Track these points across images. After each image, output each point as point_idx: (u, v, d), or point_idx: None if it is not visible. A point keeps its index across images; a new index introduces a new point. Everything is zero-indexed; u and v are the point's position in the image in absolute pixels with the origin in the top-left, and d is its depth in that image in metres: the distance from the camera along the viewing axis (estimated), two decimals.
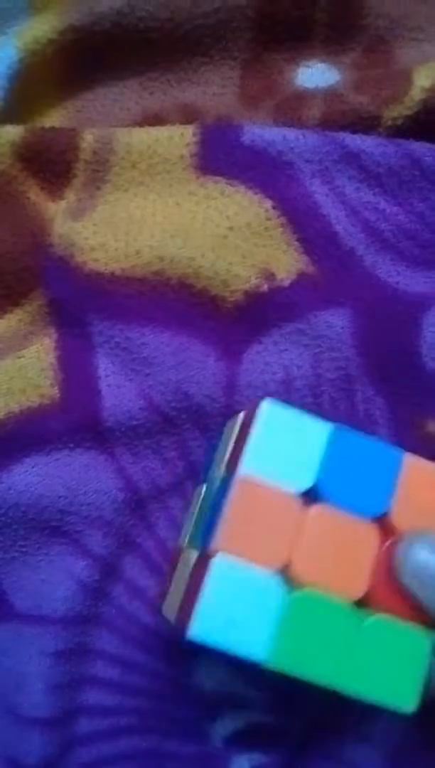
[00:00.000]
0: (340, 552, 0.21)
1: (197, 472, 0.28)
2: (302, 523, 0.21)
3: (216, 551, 0.20)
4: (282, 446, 0.21)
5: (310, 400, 0.28)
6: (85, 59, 0.30)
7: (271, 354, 0.28)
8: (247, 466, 0.21)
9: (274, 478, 0.21)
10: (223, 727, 0.28)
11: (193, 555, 0.23)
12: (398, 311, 0.28)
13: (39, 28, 0.29)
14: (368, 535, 0.21)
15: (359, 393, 0.28)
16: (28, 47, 0.29)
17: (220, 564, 0.20)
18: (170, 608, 0.23)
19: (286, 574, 0.21)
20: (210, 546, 0.21)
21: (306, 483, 0.21)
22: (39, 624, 0.28)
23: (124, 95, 0.31)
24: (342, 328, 0.28)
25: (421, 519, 0.21)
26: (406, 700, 0.20)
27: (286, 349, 0.28)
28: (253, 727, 0.28)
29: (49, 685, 0.27)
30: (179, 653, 0.28)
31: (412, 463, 0.22)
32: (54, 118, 0.31)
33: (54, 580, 0.28)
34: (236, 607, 0.20)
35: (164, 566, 0.28)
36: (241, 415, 0.24)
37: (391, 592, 0.21)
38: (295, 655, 0.20)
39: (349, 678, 0.20)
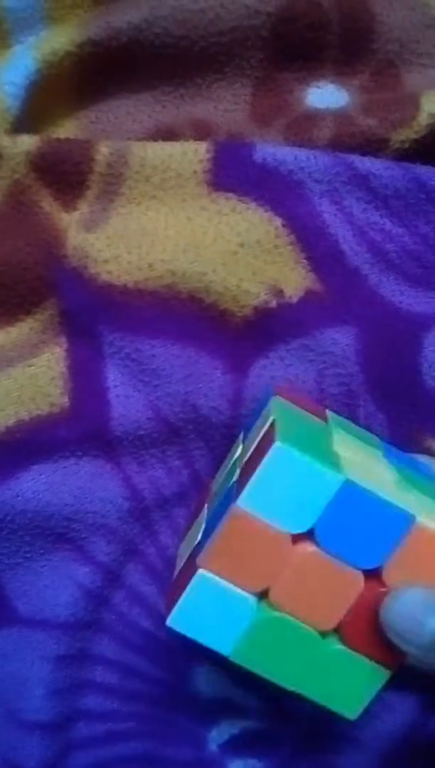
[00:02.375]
0: (319, 588, 0.21)
1: (202, 483, 0.29)
2: (288, 557, 0.21)
3: (200, 567, 0.22)
4: (287, 487, 0.21)
5: None
6: (100, 72, 0.30)
7: (276, 369, 0.29)
8: (245, 500, 0.21)
9: (271, 516, 0.21)
10: (220, 733, 0.29)
11: (187, 551, 0.25)
12: (401, 330, 0.29)
13: (57, 40, 0.29)
14: (351, 580, 0.21)
15: (361, 409, 0.29)
16: (46, 58, 0.29)
17: (202, 576, 0.22)
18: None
19: (264, 596, 0.22)
20: (197, 559, 0.22)
21: (302, 527, 0.21)
22: (41, 629, 0.28)
23: (138, 108, 0.31)
24: (347, 345, 0.28)
25: (413, 580, 0.21)
26: (351, 708, 0.22)
27: (291, 365, 0.29)
28: (249, 734, 0.29)
29: (50, 690, 0.28)
30: (178, 660, 0.29)
31: (422, 529, 0.21)
32: (67, 129, 0.31)
33: (57, 585, 0.28)
34: (212, 608, 0.22)
35: (165, 574, 0.29)
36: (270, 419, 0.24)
37: (362, 633, 0.22)
38: (257, 657, 0.22)
39: (304, 686, 0.22)
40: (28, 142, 0.28)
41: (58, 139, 0.28)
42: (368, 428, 0.29)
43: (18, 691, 0.28)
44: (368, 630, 0.21)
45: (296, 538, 0.21)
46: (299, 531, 0.21)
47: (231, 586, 0.21)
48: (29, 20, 0.30)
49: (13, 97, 0.29)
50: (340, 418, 0.27)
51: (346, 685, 0.22)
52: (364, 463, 0.22)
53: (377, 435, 0.29)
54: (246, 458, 0.23)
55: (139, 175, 0.28)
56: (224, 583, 0.21)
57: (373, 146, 0.30)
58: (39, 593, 0.28)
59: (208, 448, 0.29)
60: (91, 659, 0.29)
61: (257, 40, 0.30)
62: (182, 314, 0.28)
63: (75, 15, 0.30)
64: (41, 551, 0.28)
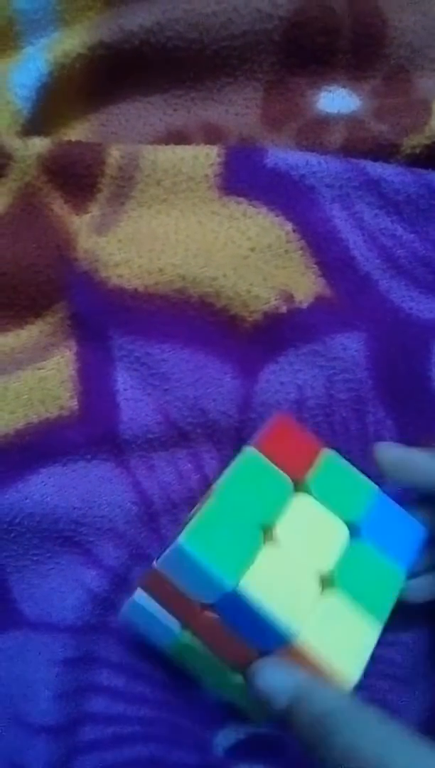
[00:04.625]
0: (224, 642, 0.24)
1: (211, 487, 0.29)
2: (198, 617, 0.24)
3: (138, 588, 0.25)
4: (191, 571, 0.23)
5: (321, 419, 0.29)
6: (112, 74, 0.30)
7: (286, 374, 0.29)
8: (162, 564, 0.23)
9: (182, 584, 0.23)
10: (226, 738, 0.29)
11: None
12: (410, 336, 0.29)
13: (69, 43, 0.29)
14: (246, 651, 0.23)
15: (370, 414, 0.29)
16: (58, 61, 0.29)
17: (140, 596, 0.25)
18: None
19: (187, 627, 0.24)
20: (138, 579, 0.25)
21: (206, 600, 0.23)
22: (48, 632, 0.28)
23: (148, 111, 0.31)
24: (356, 351, 0.28)
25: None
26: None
27: (300, 370, 0.29)
28: (255, 739, 0.29)
29: (56, 693, 0.28)
30: None
31: (298, 648, 0.23)
32: (78, 131, 0.31)
33: (64, 588, 0.28)
34: (149, 621, 0.25)
35: None
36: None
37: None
38: (185, 664, 0.25)
39: (221, 693, 0.26)
40: (39, 145, 0.28)
41: (69, 142, 0.28)
42: (377, 433, 0.29)
43: (24, 694, 0.28)
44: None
45: (204, 605, 0.23)
46: (204, 602, 0.23)
47: (162, 612, 0.24)
48: (41, 22, 0.30)
49: (24, 99, 0.29)
50: (335, 462, 0.26)
51: (250, 704, 0.25)
52: (299, 547, 0.23)
53: (384, 440, 0.29)
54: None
55: (150, 179, 0.28)
56: (157, 608, 0.24)
57: (384, 151, 0.30)
58: (46, 596, 0.28)
59: (217, 451, 0.29)
60: (97, 662, 0.29)
61: (269, 44, 0.30)
62: (192, 319, 0.28)
63: (86, 17, 0.30)
64: (49, 554, 0.28)
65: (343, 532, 0.24)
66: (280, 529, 0.24)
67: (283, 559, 0.23)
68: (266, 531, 0.24)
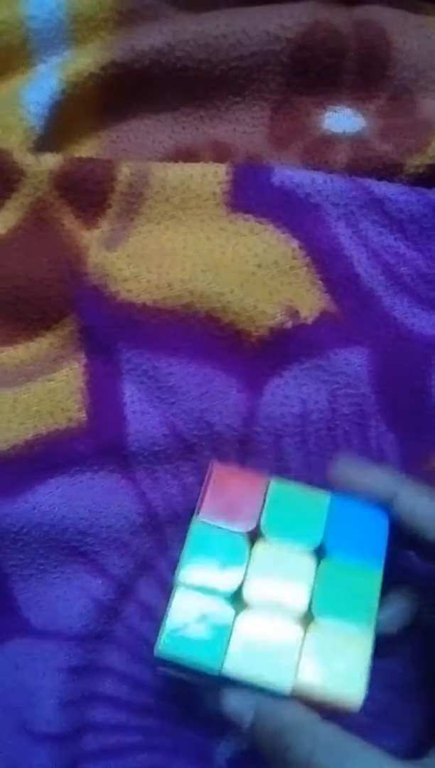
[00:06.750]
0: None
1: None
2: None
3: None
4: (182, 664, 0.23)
5: (324, 432, 0.29)
6: (122, 93, 0.31)
7: (290, 388, 0.29)
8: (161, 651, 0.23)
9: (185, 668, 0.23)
10: (228, 748, 0.29)
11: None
12: (413, 352, 0.29)
13: (81, 62, 0.30)
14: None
15: (372, 429, 0.29)
16: (70, 79, 0.30)
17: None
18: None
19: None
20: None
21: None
22: (53, 640, 0.28)
23: (158, 129, 0.32)
24: (359, 366, 0.29)
25: None
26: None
27: (305, 384, 0.29)
28: (257, 749, 0.29)
29: (61, 701, 0.28)
30: None
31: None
32: (88, 147, 0.32)
33: (69, 597, 0.28)
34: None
35: None
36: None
37: None
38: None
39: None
40: (51, 161, 0.29)
41: (80, 159, 0.29)
42: (379, 448, 0.29)
43: (28, 701, 0.28)
44: None
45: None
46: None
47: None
48: (53, 41, 0.31)
49: (37, 116, 0.29)
50: (282, 490, 0.25)
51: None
52: (271, 602, 0.24)
53: (387, 455, 0.29)
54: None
55: (159, 195, 0.29)
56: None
57: (388, 171, 0.30)
58: (51, 605, 0.29)
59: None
60: (101, 671, 0.29)
61: (277, 64, 0.31)
62: (200, 333, 0.29)
63: (98, 37, 0.31)
64: (55, 564, 0.29)
65: (310, 563, 0.24)
66: (248, 591, 0.24)
67: (258, 623, 0.23)
68: (235, 597, 0.24)
